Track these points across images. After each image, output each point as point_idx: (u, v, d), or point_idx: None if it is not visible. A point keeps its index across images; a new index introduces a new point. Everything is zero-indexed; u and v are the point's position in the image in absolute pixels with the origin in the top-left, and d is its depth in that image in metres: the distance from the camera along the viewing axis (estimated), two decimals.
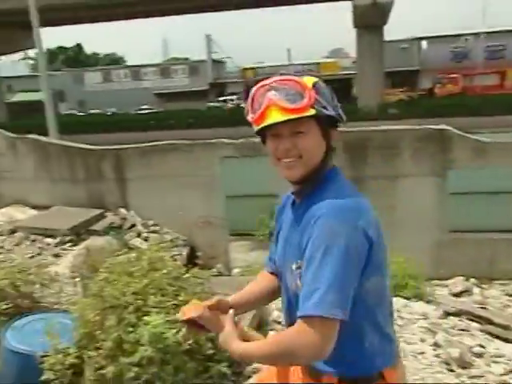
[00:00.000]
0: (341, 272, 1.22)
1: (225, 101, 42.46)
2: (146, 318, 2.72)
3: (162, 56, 73.64)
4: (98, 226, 6.86)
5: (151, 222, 7.17)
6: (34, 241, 6.26)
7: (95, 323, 2.89)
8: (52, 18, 28.01)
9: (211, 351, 2.85)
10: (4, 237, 6.30)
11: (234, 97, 42.42)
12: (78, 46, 65.27)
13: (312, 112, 1.29)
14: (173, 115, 34.33)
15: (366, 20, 29.82)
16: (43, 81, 12.53)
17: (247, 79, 42.56)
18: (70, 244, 6.34)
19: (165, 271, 3.11)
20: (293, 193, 1.46)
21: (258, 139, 1.49)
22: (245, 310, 1.64)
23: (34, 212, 7.54)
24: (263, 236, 9.36)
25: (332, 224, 1.25)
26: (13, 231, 6.45)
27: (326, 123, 1.34)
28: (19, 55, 52.85)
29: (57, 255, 5.95)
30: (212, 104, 41.55)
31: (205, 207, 7.35)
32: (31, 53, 55.14)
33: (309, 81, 1.33)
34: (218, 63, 49.18)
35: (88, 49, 68.34)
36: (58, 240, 6.35)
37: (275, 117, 1.29)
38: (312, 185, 1.37)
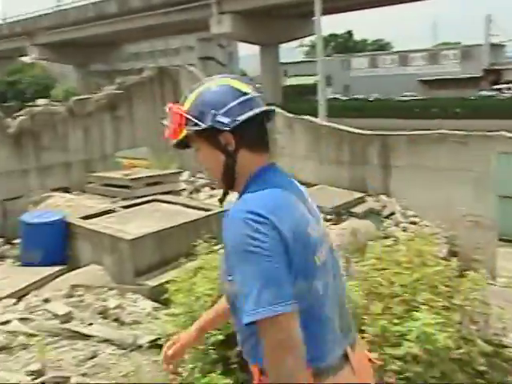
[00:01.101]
0: (263, 268, 1.18)
1: (500, 89, 37.87)
2: (416, 313, 2.61)
3: (432, 40, 69.98)
4: (357, 209, 6.99)
5: (411, 213, 6.93)
6: None
7: (360, 306, 2.92)
8: (328, 7, 29.56)
9: (484, 367, 2.57)
10: None
11: None
12: (349, 32, 67.50)
13: (184, 133, 1.37)
14: (438, 103, 32.42)
15: None
16: (319, 66, 13.36)
17: None
18: (330, 222, 6.64)
19: (438, 268, 2.92)
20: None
21: None
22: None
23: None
24: None
25: (239, 227, 1.21)
26: None
27: (210, 135, 1.34)
28: (295, 43, 57.68)
29: None
30: (484, 93, 37.61)
31: (473, 205, 6.70)
32: (306, 41, 59.79)
33: (190, 99, 1.38)
34: (495, 47, 44.02)
35: (357, 35, 70.07)
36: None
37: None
38: (238, 189, 1.38)
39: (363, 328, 2.78)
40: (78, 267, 5.55)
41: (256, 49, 37.15)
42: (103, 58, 43.83)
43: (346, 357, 1.39)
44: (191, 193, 8.51)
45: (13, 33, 37.51)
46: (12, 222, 7.18)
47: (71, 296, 4.25)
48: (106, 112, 9.25)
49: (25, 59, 46.29)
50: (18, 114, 8.45)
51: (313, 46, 61.64)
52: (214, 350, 3.15)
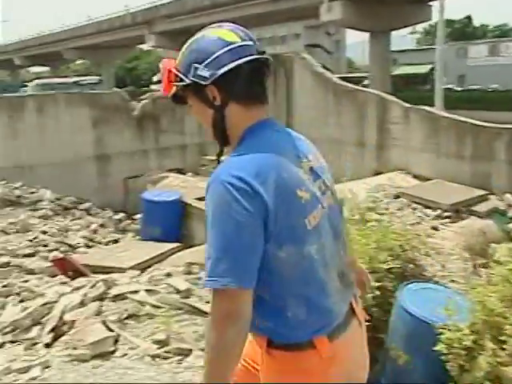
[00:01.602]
0: (229, 238, 1.17)
1: None
2: None
3: None
4: (479, 208, 6.50)
5: None
6: (414, 209, 6.46)
7: (498, 313, 2.68)
8: None
9: None
10: (389, 199, 6.74)
11: None
12: (468, 18, 62.73)
13: (173, 90, 1.35)
14: None
15: None
16: (438, 54, 12.57)
17: None
18: (448, 220, 6.24)
19: None
20: None
21: None
22: None
23: (414, 181, 7.77)
24: None
25: (217, 188, 1.19)
26: (396, 196, 6.82)
27: (197, 89, 1.30)
28: (405, 31, 54.86)
29: (435, 228, 5.95)
30: None
31: None
32: (418, 27, 56.54)
33: (180, 54, 1.34)
34: None
35: (477, 21, 64.89)
36: (436, 213, 6.35)
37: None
38: (233, 146, 1.33)
39: (502, 338, 2.56)
40: (192, 245, 5.80)
41: (364, 36, 35.96)
42: None
43: (352, 310, 1.42)
44: None
45: (134, 22, 39.99)
46: (132, 199, 7.71)
47: (189, 273, 4.43)
48: None
49: (142, 47, 49.39)
50: (141, 97, 9.00)
51: (426, 33, 58.24)
52: None
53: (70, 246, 5.77)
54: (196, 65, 1.29)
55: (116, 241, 6.33)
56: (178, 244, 5.67)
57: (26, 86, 27.01)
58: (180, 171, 8.60)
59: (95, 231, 6.50)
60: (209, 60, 1.27)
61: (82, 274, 4.58)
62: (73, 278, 4.36)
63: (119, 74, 53.33)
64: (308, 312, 1.29)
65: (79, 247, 5.80)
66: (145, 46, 46.89)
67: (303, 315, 1.29)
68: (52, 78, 32.95)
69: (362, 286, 1.68)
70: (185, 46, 1.35)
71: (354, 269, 1.63)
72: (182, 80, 1.32)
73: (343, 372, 1.32)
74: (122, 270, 4.77)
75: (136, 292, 3.75)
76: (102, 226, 6.80)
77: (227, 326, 1.18)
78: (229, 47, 1.28)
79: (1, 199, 6.61)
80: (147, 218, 6.38)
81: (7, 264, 4.74)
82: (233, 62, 1.26)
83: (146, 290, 3.80)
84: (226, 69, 1.26)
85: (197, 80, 1.29)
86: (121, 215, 7.42)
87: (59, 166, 7.75)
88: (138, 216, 7.00)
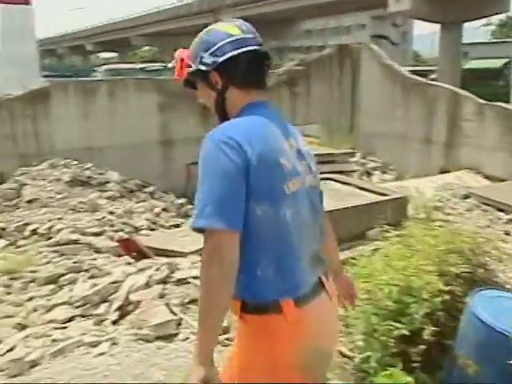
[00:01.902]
0: (216, 185, 1.30)
1: None
2: None
3: None
4: None
5: None
6: (485, 211, 6.14)
7: None
8: None
9: None
10: (457, 199, 6.45)
11: None
12: None
13: (184, 75, 1.55)
14: None
15: None
16: None
17: None
18: None
19: None
20: None
21: None
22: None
23: (485, 181, 7.40)
24: None
25: (208, 144, 1.37)
26: (466, 196, 6.51)
27: (202, 75, 1.49)
28: (479, 22, 52.03)
29: (507, 233, 5.62)
30: None
31: None
32: (493, 19, 53.36)
33: (191, 45, 1.54)
34: None
35: None
36: (509, 217, 6.00)
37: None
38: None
39: None
40: None
41: (433, 28, 34.52)
42: (277, 35, 45.03)
43: (321, 283, 1.51)
44: (362, 175, 8.30)
45: (201, 10, 40.55)
46: (194, 184, 7.80)
47: None
48: (285, 87, 9.44)
49: None
50: None
51: (502, 26, 55.02)
52: (394, 343, 3.01)
53: (134, 227, 5.95)
54: (202, 53, 1.49)
55: (178, 225, 6.46)
56: None
57: (95, 70, 28.16)
58: None
59: (158, 214, 6.67)
60: (212, 49, 1.47)
61: (146, 256, 4.70)
62: (137, 259, 4.49)
63: None
64: (277, 270, 1.40)
65: (142, 229, 5.97)
66: None
67: (272, 273, 1.40)
68: (119, 64, 34.10)
69: (350, 298, 1.85)
70: (197, 36, 1.56)
71: (341, 279, 1.81)
72: (190, 66, 1.53)
73: (309, 337, 1.42)
74: (183, 255, 4.85)
75: (198, 277, 3.79)
76: (164, 209, 6.96)
77: (213, 265, 1.28)
78: (230, 39, 1.47)
79: (73, 179, 6.92)
80: None
81: (77, 241, 4.95)
82: (232, 51, 1.45)
83: None
84: (225, 57, 1.46)
85: (201, 66, 1.49)
86: (183, 200, 7.57)
87: (126, 150, 8.01)
88: None
